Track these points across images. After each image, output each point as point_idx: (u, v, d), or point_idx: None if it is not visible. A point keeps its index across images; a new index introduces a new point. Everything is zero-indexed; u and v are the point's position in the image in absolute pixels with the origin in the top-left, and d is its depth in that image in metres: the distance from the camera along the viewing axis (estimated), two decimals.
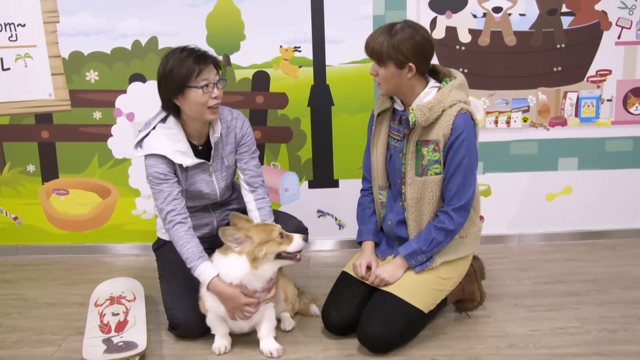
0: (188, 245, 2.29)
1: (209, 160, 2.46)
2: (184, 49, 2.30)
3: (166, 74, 2.28)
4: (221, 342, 2.35)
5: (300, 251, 2.26)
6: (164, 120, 2.40)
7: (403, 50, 2.18)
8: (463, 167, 2.24)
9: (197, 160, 2.40)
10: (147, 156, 2.37)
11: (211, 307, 2.30)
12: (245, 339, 2.40)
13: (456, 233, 2.33)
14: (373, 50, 2.22)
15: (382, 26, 2.25)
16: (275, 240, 2.21)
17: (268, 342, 2.33)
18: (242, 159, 2.52)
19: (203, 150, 2.46)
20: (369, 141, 2.49)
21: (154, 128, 2.39)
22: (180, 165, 2.38)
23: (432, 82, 2.30)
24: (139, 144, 2.39)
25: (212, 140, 2.43)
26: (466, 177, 2.26)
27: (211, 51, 2.37)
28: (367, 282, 2.39)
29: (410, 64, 2.20)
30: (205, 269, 2.25)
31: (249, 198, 2.52)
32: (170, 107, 2.35)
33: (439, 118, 2.23)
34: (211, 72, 2.29)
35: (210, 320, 2.34)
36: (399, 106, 2.37)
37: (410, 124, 2.24)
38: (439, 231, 2.29)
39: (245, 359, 2.31)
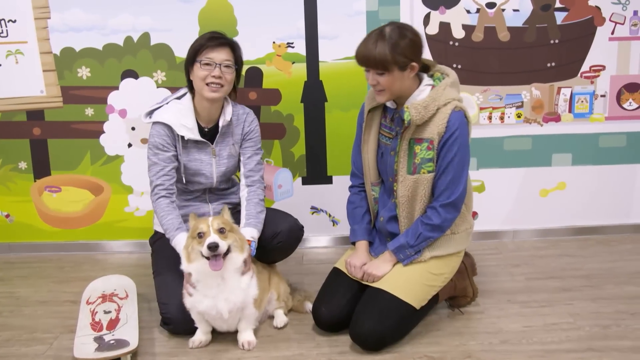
0: (168, 217, 2.41)
1: (212, 144, 2.52)
2: (211, 32, 2.46)
3: (188, 50, 2.45)
4: (199, 336, 2.37)
5: (214, 257, 2.14)
6: (179, 97, 2.52)
7: (405, 51, 2.16)
8: (454, 165, 2.24)
9: (199, 138, 2.49)
10: (153, 124, 2.48)
11: (191, 304, 2.31)
12: (231, 337, 2.39)
13: (445, 229, 2.32)
14: (375, 60, 2.15)
15: (370, 35, 2.19)
16: (195, 238, 2.20)
17: (244, 334, 2.35)
18: (245, 153, 2.59)
19: (209, 132, 2.53)
20: (358, 137, 2.47)
21: (167, 103, 2.51)
22: (183, 138, 2.46)
23: (426, 80, 2.29)
24: (150, 113, 2.50)
25: (221, 124, 2.51)
26: (457, 174, 2.25)
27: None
28: (361, 280, 2.38)
29: (413, 64, 2.19)
30: (180, 240, 2.34)
31: (244, 193, 2.56)
32: (190, 84, 2.49)
33: (433, 116, 2.23)
34: (220, 53, 2.40)
35: (193, 315, 2.35)
36: (390, 104, 2.35)
37: (405, 122, 2.23)
38: (426, 226, 2.28)
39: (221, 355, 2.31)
